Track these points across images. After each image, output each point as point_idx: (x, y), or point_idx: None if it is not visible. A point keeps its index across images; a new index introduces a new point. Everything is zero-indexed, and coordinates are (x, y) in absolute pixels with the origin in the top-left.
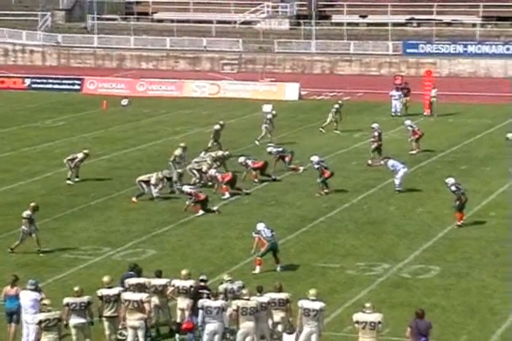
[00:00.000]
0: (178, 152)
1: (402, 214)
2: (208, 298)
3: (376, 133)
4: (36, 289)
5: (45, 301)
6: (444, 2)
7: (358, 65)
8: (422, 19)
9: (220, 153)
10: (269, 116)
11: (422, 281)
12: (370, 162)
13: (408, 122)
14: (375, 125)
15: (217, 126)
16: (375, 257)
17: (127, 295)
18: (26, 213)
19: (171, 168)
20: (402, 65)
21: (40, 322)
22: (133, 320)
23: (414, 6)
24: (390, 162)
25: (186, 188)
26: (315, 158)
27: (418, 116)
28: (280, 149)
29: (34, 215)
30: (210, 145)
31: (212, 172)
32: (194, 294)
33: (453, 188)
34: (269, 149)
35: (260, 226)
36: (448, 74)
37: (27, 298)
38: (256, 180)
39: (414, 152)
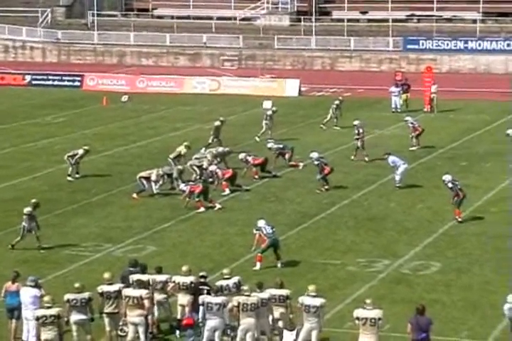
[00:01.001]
0: (182, 151)
1: (403, 211)
2: (208, 294)
3: (361, 130)
4: (36, 285)
5: (46, 298)
6: None
7: (359, 61)
8: (423, 15)
9: (220, 149)
10: (270, 112)
11: (423, 277)
12: (367, 159)
13: (409, 118)
14: (356, 122)
15: (217, 123)
16: (375, 253)
17: (127, 292)
18: (27, 210)
19: (171, 164)
20: (403, 61)
21: (37, 318)
22: (133, 316)
23: (414, 2)
24: (391, 158)
25: (182, 186)
26: (314, 155)
27: (418, 112)
28: (281, 145)
29: (35, 212)
30: (210, 141)
31: (213, 168)
32: (194, 290)
33: (450, 185)
34: (269, 145)
35: (261, 223)
36: (448, 70)
37: (27, 294)
38: (256, 177)
39: (414, 148)
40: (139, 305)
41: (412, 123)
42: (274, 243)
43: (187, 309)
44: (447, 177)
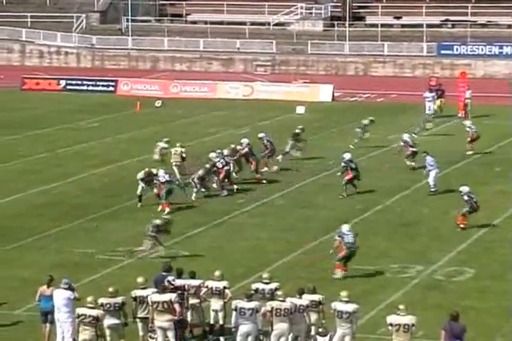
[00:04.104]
0: (200, 172)
1: (436, 216)
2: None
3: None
4: (70, 288)
5: (89, 298)
6: (479, 3)
7: (392, 67)
8: (457, 20)
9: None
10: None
11: (457, 283)
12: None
13: (467, 123)
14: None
15: (297, 130)
16: (408, 259)
17: (155, 297)
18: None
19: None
20: (437, 67)
21: (78, 316)
22: (161, 321)
23: (448, 7)
24: (429, 158)
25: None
26: (347, 156)
27: (452, 118)
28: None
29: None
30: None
31: (219, 165)
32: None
33: (465, 197)
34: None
35: (345, 228)
36: (483, 75)
37: (60, 296)
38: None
39: (470, 152)
40: (168, 310)
41: (470, 128)
42: (351, 254)
43: (220, 314)
44: (464, 189)
